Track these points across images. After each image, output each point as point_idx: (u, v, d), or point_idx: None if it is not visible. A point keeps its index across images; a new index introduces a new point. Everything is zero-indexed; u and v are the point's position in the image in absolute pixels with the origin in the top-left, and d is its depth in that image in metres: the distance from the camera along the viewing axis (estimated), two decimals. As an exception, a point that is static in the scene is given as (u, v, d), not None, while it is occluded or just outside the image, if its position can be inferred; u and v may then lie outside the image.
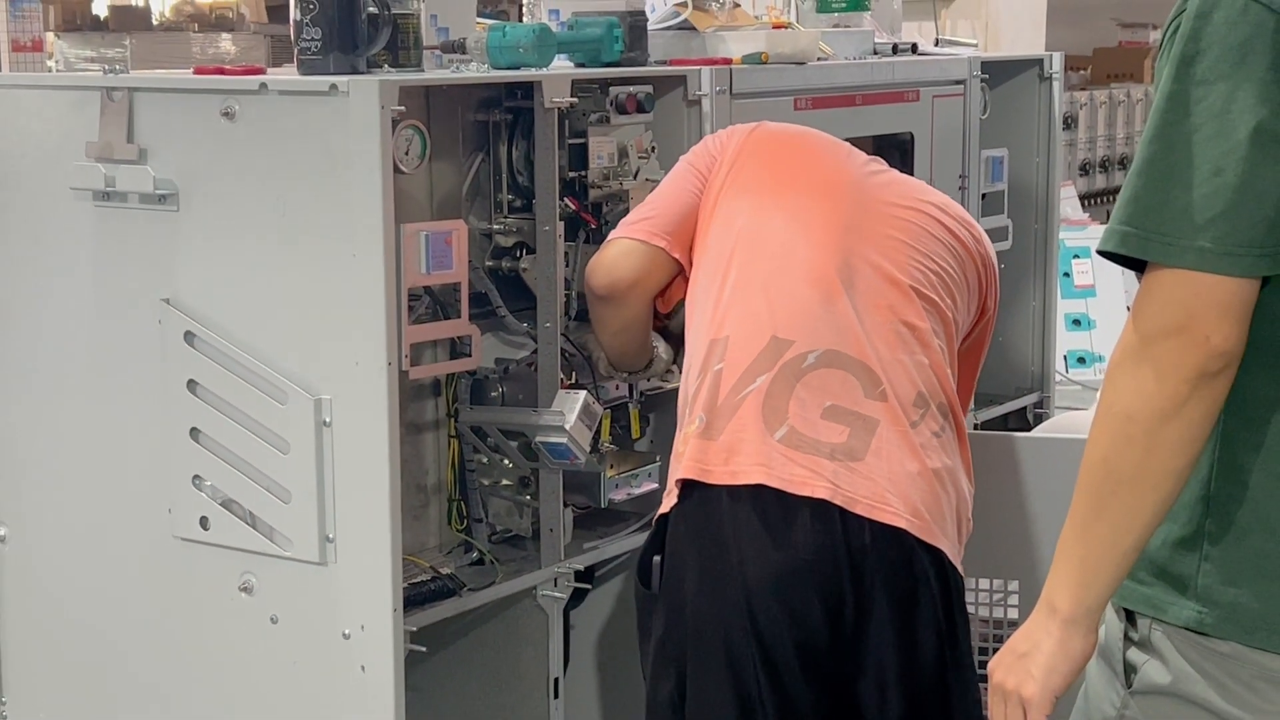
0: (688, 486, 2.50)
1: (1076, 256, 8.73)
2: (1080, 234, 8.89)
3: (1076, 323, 8.75)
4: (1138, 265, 1.71)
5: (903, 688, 2.48)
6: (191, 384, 2.60)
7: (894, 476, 2.47)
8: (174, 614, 2.70)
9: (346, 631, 2.51)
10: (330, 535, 2.51)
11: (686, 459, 2.50)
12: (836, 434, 2.47)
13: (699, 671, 2.48)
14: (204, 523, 2.62)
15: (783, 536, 2.44)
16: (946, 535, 2.50)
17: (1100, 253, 1.72)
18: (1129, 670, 1.85)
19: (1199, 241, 1.65)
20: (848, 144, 2.86)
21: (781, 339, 2.51)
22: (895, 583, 2.45)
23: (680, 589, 2.49)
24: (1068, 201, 9.70)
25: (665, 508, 2.54)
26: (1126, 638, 1.86)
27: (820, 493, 2.43)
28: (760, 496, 2.44)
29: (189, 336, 2.59)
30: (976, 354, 2.86)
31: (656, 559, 2.54)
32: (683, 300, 2.75)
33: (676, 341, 2.90)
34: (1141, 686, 1.84)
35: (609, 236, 2.78)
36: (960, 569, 2.54)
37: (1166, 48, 1.72)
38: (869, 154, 2.86)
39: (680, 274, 2.73)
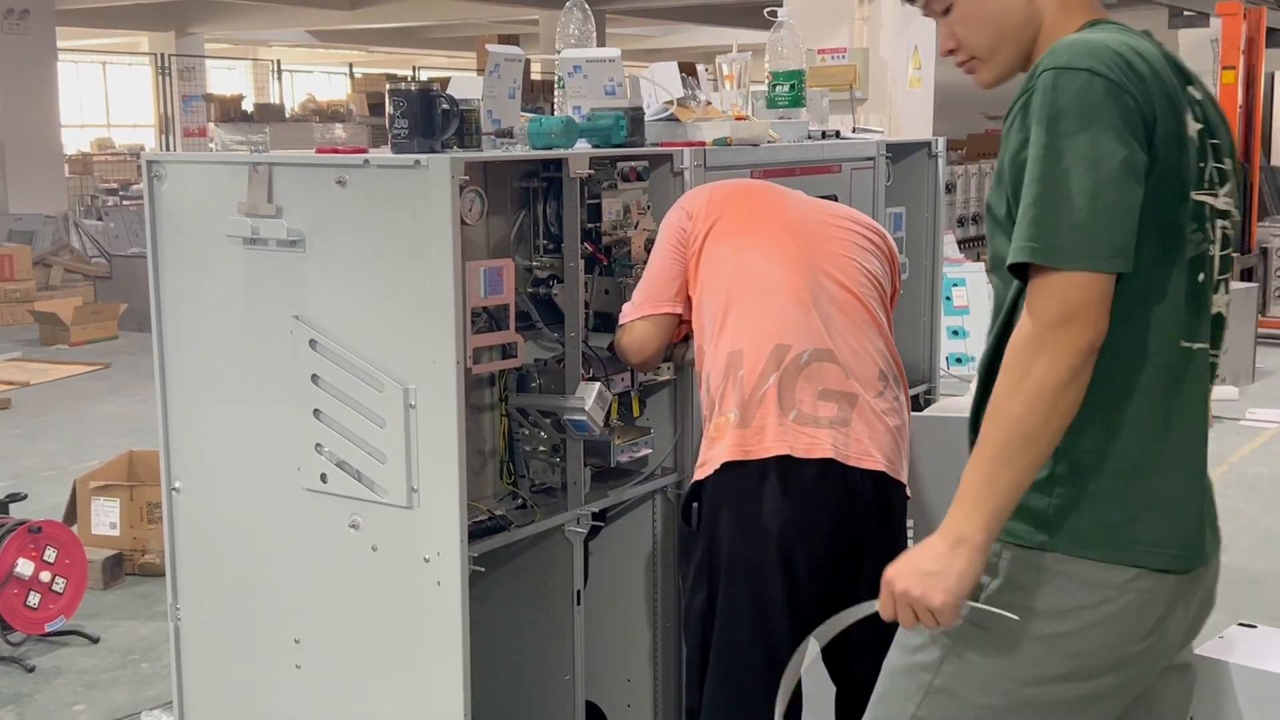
0: (728, 463, 2.51)
1: (955, 285, 8.76)
2: (958, 269, 8.92)
3: (955, 333, 8.79)
4: (1022, 276, 1.70)
5: (875, 574, 2.51)
6: (314, 377, 2.59)
7: (872, 435, 2.53)
8: (302, 544, 2.69)
9: (427, 556, 2.51)
10: (415, 486, 2.50)
11: (729, 443, 2.52)
12: (830, 409, 2.52)
13: (728, 587, 2.52)
14: (324, 478, 2.62)
15: (799, 488, 2.48)
16: (904, 470, 2.59)
17: (1010, 266, 1.69)
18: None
19: (1088, 249, 1.64)
20: (778, 185, 2.88)
21: (782, 345, 2.54)
22: (876, 509, 2.52)
23: (716, 528, 2.53)
24: (949, 245, 9.72)
25: (703, 474, 2.55)
26: None
27: (826, 453, 2.49)
28: (785, 463, 2.48)
29: (313, 343, 2.59)
30: (891, 312, 2.86)
31: (695, 505, 2.56)
32: (688, 333, 2.77)
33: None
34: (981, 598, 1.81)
35: (624, 318, 2.77)
36: (909, 492, 2.63)
37: (1016, 119, 1.71)
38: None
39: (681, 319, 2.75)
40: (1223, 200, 1.79)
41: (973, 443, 1.80)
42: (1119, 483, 1.76)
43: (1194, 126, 1.75)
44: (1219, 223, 1.79)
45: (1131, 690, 1.85)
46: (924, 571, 1.74)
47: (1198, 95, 1.80)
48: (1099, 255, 1.63)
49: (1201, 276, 1.77)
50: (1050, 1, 1.85)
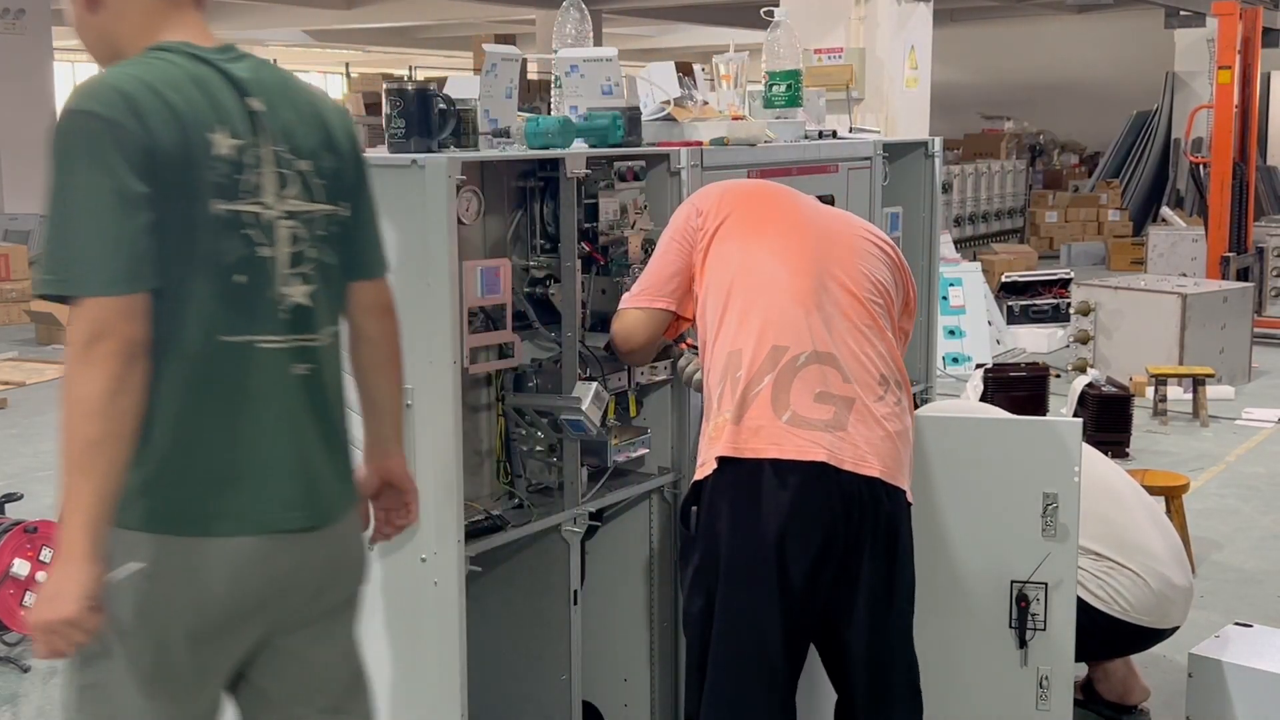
0: (723, 461, 2.50)
1: (951, 285, 8.76)
2: (954, 269, 8.93)
3: (951, 333, 8.79)
4: (65, 301, 1.83)
5: (874, 582, 2.54)
6: (311, 377, 2.59)
7: (869, 440, 2.50)
8: (298, 544, 2.69)
9: (424, 556, 2.51)
10: (412, 486, 2.50)
11: (723, 441, 2.50)
12: (826, 412, 2.49)
13: (726, 591, 2.50)
14: (320, 477, 2.61)
15: (794, 492, 2.46)
16: (904, 476, 2.55)
17: (37, 296, 1.84)
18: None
19: (97, 277, 1.80)
20: (789, 187, 2.88)
21: (779, 346, 2.52)
22: (873, 516, 2.49)
23: (714, 531, 2.50)
24: (945, 245, 9.71)
25: (701, 475, 2.53)
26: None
27: (820, 457, 2.45)
28: (778, 465, 2.46)
29: (309, 343, 2.58)
30: (908, 322, 2.85)
31: (694, 508, 2.54)
32: (684, 330, 2.77)
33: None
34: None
35: (622, 304, 2.78)
36: (910, 497, 2.59)
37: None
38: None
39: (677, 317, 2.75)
40: (288, 203, 1.96)
41: None
42: (188, 465, 1.90)
43: (229, 143, 1.89)
44: (282, 224, 1.95)
45: (246, 639, 1.99)
46: (48, 598, 1.84)
47: (258, 106, 1.95)
48: (106, 281, 1.80)
49: (244, 278, 1.91)
50: (121, 25, 1.98)
